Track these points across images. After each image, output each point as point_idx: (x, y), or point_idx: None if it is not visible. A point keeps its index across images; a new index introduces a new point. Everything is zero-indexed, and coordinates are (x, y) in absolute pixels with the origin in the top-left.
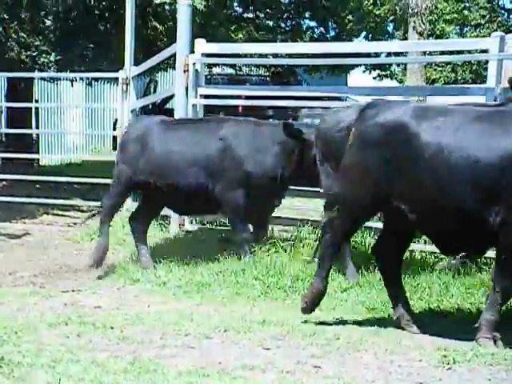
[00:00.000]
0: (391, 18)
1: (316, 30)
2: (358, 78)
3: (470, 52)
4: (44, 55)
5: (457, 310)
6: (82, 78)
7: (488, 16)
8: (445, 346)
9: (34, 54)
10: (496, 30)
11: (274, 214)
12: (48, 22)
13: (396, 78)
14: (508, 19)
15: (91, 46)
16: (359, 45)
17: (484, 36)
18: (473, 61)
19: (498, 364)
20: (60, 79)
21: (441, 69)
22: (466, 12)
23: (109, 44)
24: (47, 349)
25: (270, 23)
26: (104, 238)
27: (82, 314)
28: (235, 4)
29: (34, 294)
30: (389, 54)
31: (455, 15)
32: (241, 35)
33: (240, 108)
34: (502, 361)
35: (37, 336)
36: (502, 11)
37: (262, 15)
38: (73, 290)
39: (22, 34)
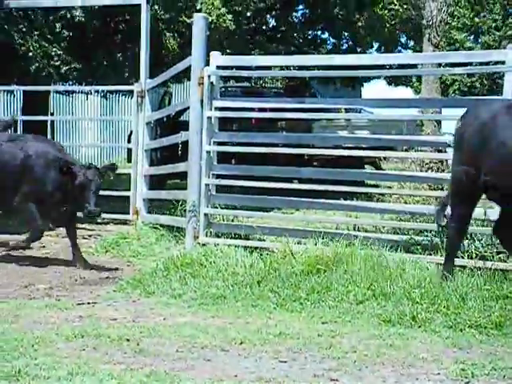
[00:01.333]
0: (405, 28)
1: (329, 41)
2: (372, 85)
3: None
4: (66, 65)
5: (475, 323)
6: (97, 91)
7: (501, 19)
8: (463, 360)
9: (57, 64)
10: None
11: (288, 226)
12: (66, 33)
13: (411, 86)
14: None
15: (106, 59)
16: (374, 57)
17: (496, 41)
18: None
19: None
20: (75, 92)
21: (459, 81)
22: (476, 19)
23: (124, 57)
24: (64, 361)
25: (284, 35)
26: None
27: (97, 327)
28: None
29: (49, 307)
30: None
31: (465, 21)
32: (257, 49)
33: (253, 120)
34: None
35: (53, 349)
36: None
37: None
38: (88, 303)
39: (44, 43)
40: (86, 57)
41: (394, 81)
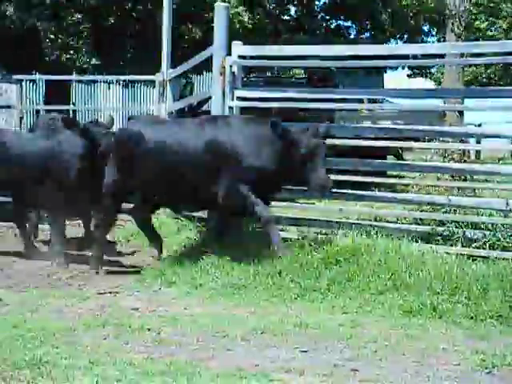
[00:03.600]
0: (428, 18)
1: (352, 31)
2: (392, 75)
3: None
4: (83, 57)
5: (495, 314)
6: (118, 81)
7: None
8: (483, 350)
9: (74, 57)
10: None
11: (309, 216)
12: (86, 25)
13: (431, 77)
14: None
15: (129, 49)
16: (397, 47)
17: None
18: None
19: None
20: (97, 82)
21: (477, 72)
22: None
23: (146, 47)
24: (85, 350)
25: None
26: None
27: (118, 316)
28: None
29: (71, 296)
30: (425, 56)
31: (481, 9)
32: (279, 38)
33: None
34: None
35: (74, 338)
36: None
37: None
38: (110, 292)
39: (60, 35)
40: (107, 49)
41: (414, 72)
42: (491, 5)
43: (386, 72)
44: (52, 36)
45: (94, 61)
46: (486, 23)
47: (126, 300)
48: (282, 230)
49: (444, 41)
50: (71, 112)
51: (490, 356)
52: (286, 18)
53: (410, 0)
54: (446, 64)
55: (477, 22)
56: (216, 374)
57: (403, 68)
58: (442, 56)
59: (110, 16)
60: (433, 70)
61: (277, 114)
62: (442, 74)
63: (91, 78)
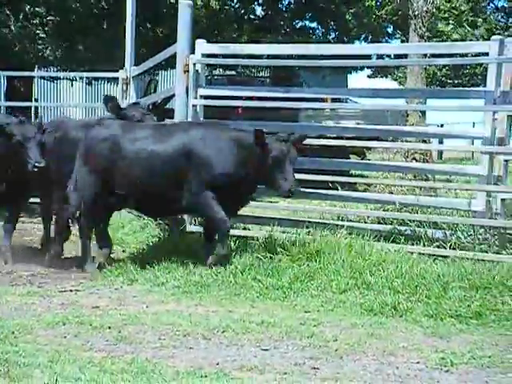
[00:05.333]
0: (392, 19)
1: (317, 31)
2: (354, 76)
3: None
4: (50, 48)
5: (455, 313)
6: (81, 78)
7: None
8: (442, 348)
9: (41, 47)
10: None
11: (273, 215)
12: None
13: (395, 78)
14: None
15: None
16: (360, 47)
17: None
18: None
19: (495, 366)
20: (60, 78)
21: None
22: (462, 7)
23: (109, 43)
24: (44, 349)
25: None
26: None
27: (79, 314)
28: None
29: (31, 294)
30: (388, 56)
31: (453, 11)
32: (245, 37)
33: (239, 110)
34: (499, 363)
35: (34, 336)
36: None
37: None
38: (71, 290)
39: (27, 23)
40: (71, 41)
41: (376, 72)
42: (455, 12)
43: (350, 73)
44: (14, 29)
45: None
46: (451, 27)
47: (87, 298)
48: (245, 229)
49: (407, 42)
50: (33, 108)
51: (449, 354)
52: (251, 17)
53: (374, 1)
54: (407, 64)
55: (440, 25)
56: (177, 373)
57: (362, 69)
58: (404, 56)
59: (74, 10)
60: (396, 71)
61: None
62: (404, 74)
63: (54, 74)
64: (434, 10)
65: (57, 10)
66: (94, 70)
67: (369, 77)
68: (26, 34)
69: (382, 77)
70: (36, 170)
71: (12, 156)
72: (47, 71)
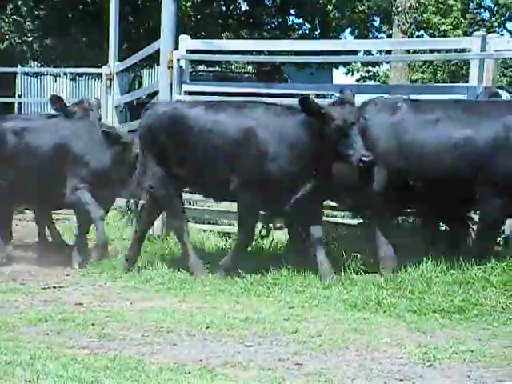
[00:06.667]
0: (376, 14)
1: (303, 27)
2: (340, 78)
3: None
4: (39, 41)
5: (438, 308)
6: (65, 74)
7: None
8: (425, 343)
9: (30, 40)
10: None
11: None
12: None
13: (379, 80)
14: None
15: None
16: (344, 42)
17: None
18: (452, 62)
19: (477, 361)
20: (43, 74)
21: (421, 69)
22: (450, 1)
23: (93, 39)
24: (26, 346)
25: (257, 20)
26: None
27: (62, 311)
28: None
29: (14, 291)
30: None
31: (441, 5)
32: (227, 33)
33: None
34: (481, 357)
35: (16, 333)
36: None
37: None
38: (54, 287)
39: (16, 17)
40: (60, 34)
41: (362, 77)
42: (441, 6)
43: (337, 68)
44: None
45: (45, 47)
46: (438, 17)
47: (70, 295)
48: (230, 225)
49: (391, 37)
50: (17, 104)
51: (432, 349)
52: (235, 12)
53: None
54: (390, 60)
55: (426, 15)
56: (160, 369)
57: (349, 72)
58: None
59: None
60: (380, 72)
61: None
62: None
63: (37, 70)
64: (418, 6)
65: (44, 4)
66: (77, 66)
67: (358, 81)
68: (14, 27)
69: (369, 79)
70: None
71: None
72: (30, 67)
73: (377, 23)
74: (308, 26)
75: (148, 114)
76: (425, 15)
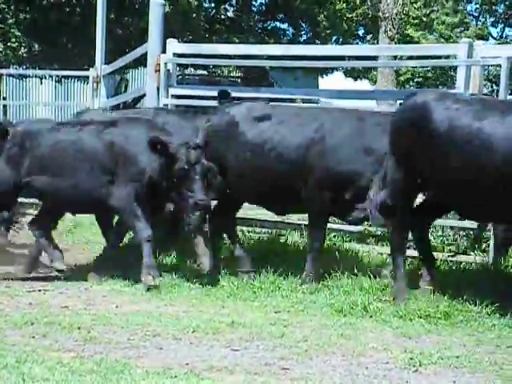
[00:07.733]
0: (363, 21)
1: (288, 32)
2: (335, 80)
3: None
4: (24, 46)
5: (424, 313)
6: (51, 76)
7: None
8: (411, 349)
9: (15, 46)
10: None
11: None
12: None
13: (369, 78)
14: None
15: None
16: (330, 48)
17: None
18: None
19: (462, 367)
20: (29, 77)
21: (412, 71)
22: (432, 15)
23: (80, 42)
24: (12, 349)
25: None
26: None
27: (48, 314)
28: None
29: None
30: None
31: (424, 18)
32: (214, 37)
33: None
34: (467, 363)
35: (1, 336)
36: (471, 17)
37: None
38: (39, 290)
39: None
40: (48, 40)
41: (350, 73)
42: (424, 19)
43: (326, 75)
44: None
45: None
46: (420, 33)
47: (56, 298)
48: None
49: (377, 43)
50: (2, 107)
51: (418, 355)
52: (222, 17)
53: (345, 4)
54: (377, 66)
55: (410, 30)
56: (146, 373)
57: (334, 71)
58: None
59: (47, 8)
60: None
61: None
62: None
63: (23, 72)
64: (404, 14)
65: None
66: (64, 69)
67: (355, 79)
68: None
69: (358, 77)
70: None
71: None
72: (16, 69)
73: (361, 32)
74: (293, 31)
75: None
76: (406, 31)
